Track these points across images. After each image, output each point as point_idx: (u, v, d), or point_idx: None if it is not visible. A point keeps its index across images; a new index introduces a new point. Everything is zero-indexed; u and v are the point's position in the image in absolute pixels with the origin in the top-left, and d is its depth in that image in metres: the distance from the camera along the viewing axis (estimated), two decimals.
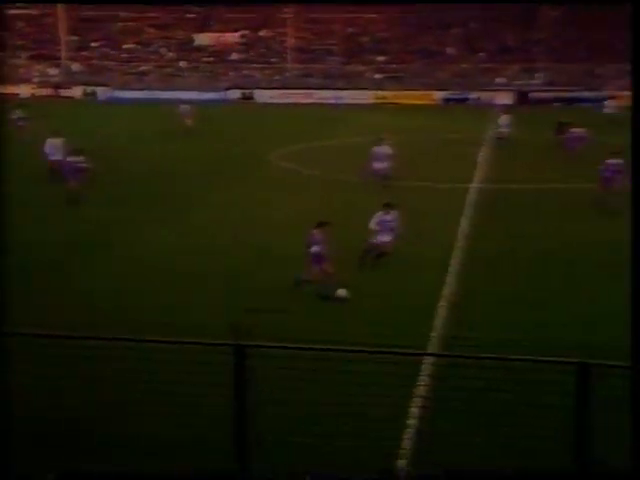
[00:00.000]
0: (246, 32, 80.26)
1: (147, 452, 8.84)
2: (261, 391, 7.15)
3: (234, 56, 77.55)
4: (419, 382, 10.86)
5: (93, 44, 79.35)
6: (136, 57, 77.83)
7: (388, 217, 18.49)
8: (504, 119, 40.20)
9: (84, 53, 77.91)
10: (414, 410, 10.17)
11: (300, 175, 32.20)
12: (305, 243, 16.87)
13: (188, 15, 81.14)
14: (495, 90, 66.68)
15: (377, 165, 28.19)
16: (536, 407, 8.14)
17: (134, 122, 50.03)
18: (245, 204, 26.46)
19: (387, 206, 18.74)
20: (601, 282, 17.49)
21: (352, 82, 70.43)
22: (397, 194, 26.54)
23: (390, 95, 66.13)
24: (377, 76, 72.32)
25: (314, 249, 16.54)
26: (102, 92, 69.46)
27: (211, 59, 77.09)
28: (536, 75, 70.39)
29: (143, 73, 75.23)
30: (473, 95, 66.00)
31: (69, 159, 26.37)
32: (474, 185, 29.35)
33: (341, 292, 16.20)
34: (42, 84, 69.82)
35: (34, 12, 76.30)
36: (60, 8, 74.73)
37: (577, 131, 34.25)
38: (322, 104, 62.01)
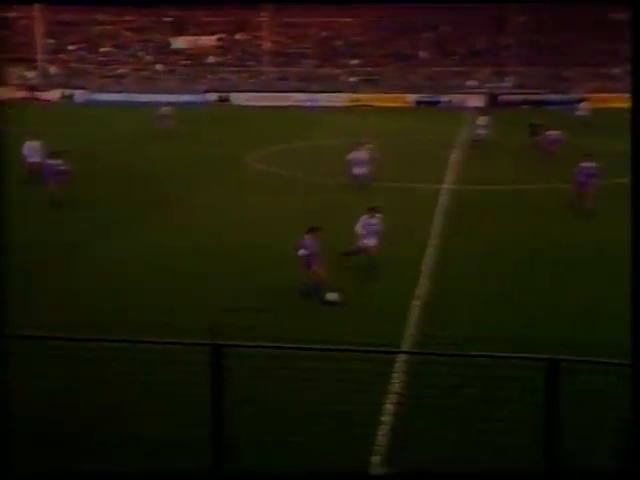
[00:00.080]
0: (222, 35, 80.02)
1: (127, 451, 8.79)
2: (238, 390, 7.12)
3: (211, 59, 77.30)
4: (394, 380, 10.89)
5: (70, 47, 78.71)
6: (113, 60, 77.34)
7: (373, 221, 18.22)
8: (481, 120, 40.27)
9: (61, 56, 77.26)
10: (389, 407, 10.19)
11: (277, 177, 32.15)
12: (295, 247, 16.72)
13: (165, 19, 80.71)
14: (466, 93, 67.09)
15: (356, 170, 28.16)
16: (507, 403, 8.18)
17: (113, 124, 49.68)
18: (223, 205, 26.37)
19: (372, 210, 18.45)
20: (574, 280, 17.63)
21: (327, 85, 70.47)
22: (373, 195, 26.65)
23: (364, 98, 66.29)
24: (351, 79, 72.44)
25: (301, 252, 16.38)
26: (80, 95, 68.92)
27: (188, 62, 76.78)
28: (506, 78, 70.88)
29: (121, 76, 74.77)
30: (445, 98, 66.31)
31: (49, 162, 26.08)
32: (450, 186, 29.46)
33: (331, 296, 16.07)
34: (19, 87, 69.12)
35: (11, 15, 75.45)
36: (37, 11, 74.06)
37: (553, 134, 34.47)
38: (298, 107, 61.99)
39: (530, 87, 67.54)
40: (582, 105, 51.16)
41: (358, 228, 18.15)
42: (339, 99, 65.85)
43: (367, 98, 66.14)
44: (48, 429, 8.75)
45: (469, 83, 70.30)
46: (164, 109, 45.20)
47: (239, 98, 68.05)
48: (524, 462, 6.97)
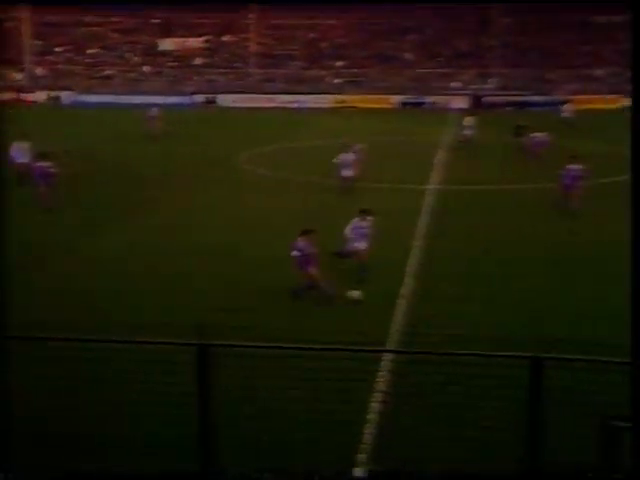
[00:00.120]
0: (209, 37, 79.88)
1: (115, 451, 8.75)
2: (226, 390, 7.10)
3: (198, 61, 77.13)
4: (380, 378, 10.89)
5: (57, 49, 78.32)
6: (100, 62, 77.03)
7: (364, 224, 17.75)
8: (467, 121, 40.33)
9: (49, 57, 76.87)
10: (374, 405, 10.20)
11: (264, 177, 32.13)
12: (290, 249, 16.59)
13: (152, 20, 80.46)
14: (450, 94, 67.28)
15: (345, 172, 28.09)
16: (492, 401, 8.20)
17: (100, 126, 49.47)
18: (211, 206, 26.31)
19: (364, 212, 17.97)
20: (559, 280, 17.71)
21: (313, 87, 70.49)
22: (361, 197, 26.67)
23: (349, 99, 66.36)
24: (337, 81, 72.49)
25: (294, 254, 16.20)
26: (66, 96, 68.59)
27: (175, 64, 76.58)
28: (489, 80, 71.13)
29: (108, 77, 74.48)
30: (429, 99, 66.46)
31: (38, 164, 25.82)
32: (436, 187, 29.50)
33: (354, 293, 15.94)
34: (5, 88, 68.61)
35: None
36: (24, 12, 73.63)
37: (538, 136, 34.57)
38: (284, 108, 61.97)
39: (513, 89, 67.83)
40: (566, 107, 51.43)
41: (348, 231, 17.73)
42: (325, 100, 65.87)
43: (352, 99, 66.21)
44: (33, 429, 8.69)
45: (453, 85, 70.51)
46: (152, 111, 45.04)
47: (226, 100, 67.93)
48: (509, 459, 6.99)
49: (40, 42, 76.88)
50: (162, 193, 28.08)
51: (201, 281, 17.54)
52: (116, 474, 7.51)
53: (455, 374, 7.78)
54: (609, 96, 63.91)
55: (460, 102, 64.39)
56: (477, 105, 63.16)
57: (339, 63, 75.28)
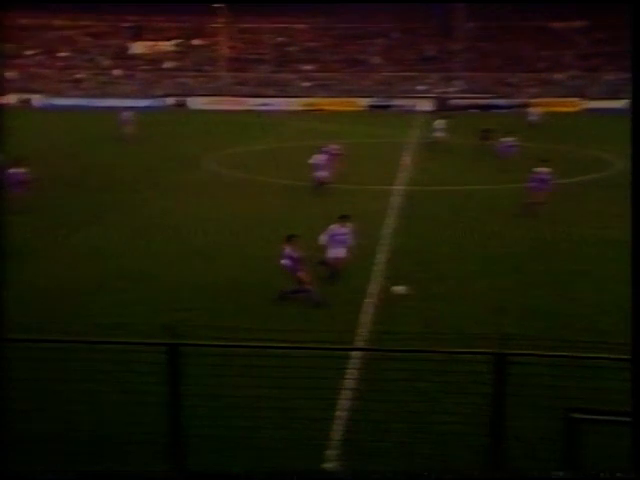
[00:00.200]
0: (180, 41, 79.42)
1: (85, 452, 8.62)
2: (195, 389, 7.03)
3: (168, 64, 76.65)
4: (348, 375, 10.87)
5: (28, 52, 77.34)
6: (71, 65, 76.22)
7: (343, 230, 17.04)
8: (438, 124, 40.53)
9: (19, 61, 75.87)
10: (343, 402, 10.17)
11: (235, 179, 31.99)
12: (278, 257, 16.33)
13: (123, 24, 79.78)
14: (416, 97, 67.62)
15: (318, 174, 27.99)
16: (457, 396, 8.22)
17: (72, 129, 48.93)
18: (183, 207, 26.11)
19: (343, 218, 17.26)
20: (525, 279, 17.81)
21: (282, 90, 70.41)
22: (333, 198, 26.67)
23: (318, 102, 66.39)
24: (305, 84, 72.48)
25: (283, 262, 15.81)
26: (37, 99, 67.76)
27: (146, 67, 76.02)
28: (454, 83, 71.61)
29: (78, 81, 73.71)
30: (396, 102, 66.73)
31: (11, 171, 25.06)
32: (404, 187, 29.55)
33: (399, 289, 15.77)
34: None
35: None
36: None
37: (507, 140, 34.76)
38: (253, 111, 61.79)
39: (477, 92, 68.37)
40: (532, 110, 51.99)
41: (324, 238, 16.97)
42: (294, 103, 65.84)
43: (321, 102, 66.25)
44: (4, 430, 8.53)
45: (419, 88, 70.86)
46: (124, 114, 44.66)
47: (196, 102, 67.60)
48: (476, 454, 7.00)
49: (10, 45, 75.82)
50: (134, 195, 27.84)
51: (171, 282, 17.39)
52: (84, 474, 7.39)
53: (422, 370, 7.78)
54: (569, 99, 64.70)
55: (425, 105, 64.76)
56: (442, 107, 63.55)
57: (308, 67, 75.27)
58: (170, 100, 68.18)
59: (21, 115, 57.79)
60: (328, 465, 8.76)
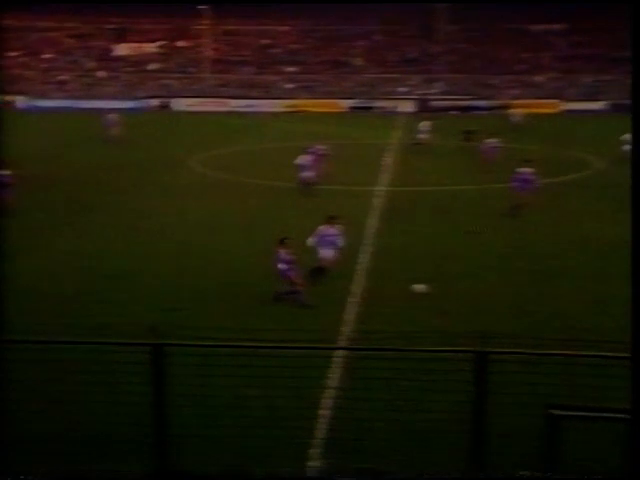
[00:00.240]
0: (164, 43, 79.12)
1: (69, 452, 8.54)
2: (179, 389, 6.99)
3: (152, 66, 76.34)
4: (331, 375, 10.87)
5: (11, 53, 76.72)
6: (55, 67, 75.71)
7: (332, 230, 16.90)
8: (424, 125, 40.64)
9: (2, 62, 75.21)
10: (326, 401, 10.16)
11: (219, 180, 31.91)
12: (273, 261, 16.08)
13: (107, 26, 79.37)
14: (398, 99, 67.72)
15: (304, 174, 27.93)
16: (439, 394, 8.23)
17: (56, 131, 48.60)
18: (168, 208, 25.98)
19: (331, 219, 17.02)
20: (503, 278, 17.89)
21: (265, 91, 70.32)
22: (315, 198, 26.65)
23: (300, 103, 66.35)
24: (288, 86, 72.41)
25: (280, 267, 15.62)
26: (21, 101, 67.24)
27: (130, 69, 75.66)
28: (435, 85, 71.79)
29: (62, 82, 73.24)
30: (377, 103, 66.80)
31: None
32: (387, 188, 29.55)
33: (419, 287, 15.85)
34: None
35: None
36: None
37: (491, 142, 34.89)
38: (237, 112, 61.65)
39: (457, 93, 68.59)
40: (515, 111, 52.29)
41: (313, 240, 16.77)
42: (277, 105, 65.76)
43: (303, 104, 66.21)
44: None
45: (400, 89, 70.99)
46: (109, 116, 44.43)
47: (180, 104, 67.37)
48: (458, 452, 7.01)
49: None
50: (119, 196, 27.69)
51: (155, 282, 17.30)
52: (68, 474, 7.33)
53: (405, 369, 7.78)
54: (548, 101, 65.06)
55: (407, 106, 64.90)
56: (424, 109, 63.68)
57: (291, 68, 75.22)
58: (154, 102, 67.89)
59: (5, 117, 57.38)
60: (312, 463, 8.76)
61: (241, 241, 21.09)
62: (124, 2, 69.03)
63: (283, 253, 15.71)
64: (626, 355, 5.99)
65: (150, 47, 78.60)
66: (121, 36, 79.30)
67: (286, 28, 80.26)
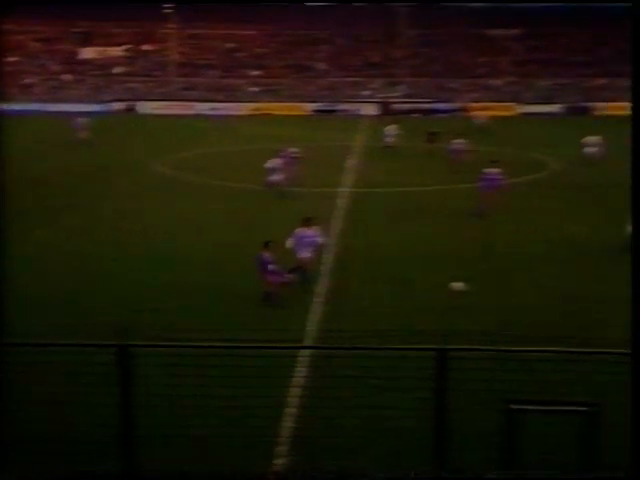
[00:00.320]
0: (130, 46, 78.34)
1: (36, 454, 8.40)
2: (146, 390, 6.91)
3: (118, 69, 75.55)
4: (297, 373, 10.84)
5: None
6: (21, 70, 74.50)
7: (309, 232, 16.84)
8: (390, 129, 40.79)
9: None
10: (293, 400, 10.13)
11: (186, 183, 31.68)
12: (255, 263, 15.96)
13: (73, 29, 78.34)
14: (361, 102, 67.88)
15: (273, 177, 27.76)
16: (402, 392, 8.25)
17: (22, 134, 47.74)
18: (135, 211, 25.73)
19: (308, 221, 17.00)
20: (467, 277, 17.99)
21: (230, 95, 69.99)
22: (283, 200, 26.58)
23: (265, 107, 66.20)
24: (253, 89, 72.20)
25: (270, 268, 15.51)
26: None
27: (96, 72, 74.80)
28: (397, 88, 72.13)
29: (28, 86, 72.12)
30: (341, 107, 66.88)
31: None
32: (351, 190, 29.54)
33: (457, 285, 15.96)
34: None
35: None
36: None
37: (458, 142, 35.10)
38: (203, 115, 61.29)
39: (419, 96, 68.99)
40: (478, 113, 52.73)
41: (291, 241, 16.68)
42: (242, 108, 65.49)
43: (268, 107, 66.08)
44: None
45: (364, 93, 71.19)
46: (78, 119, 43.88)
47: (146, 107, 66.77)
48: (423, 449, 7.03)
49: None
50: (86, 199, 27.35)
51: (122, 284, 17.12)
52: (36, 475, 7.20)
53: (370, 367, 7.79)
54: (505, 104, 65.76)
55: (370, 109, 65.09)
56: (386, 112, 63.87)
57: (256, 72, 75.01)
58: (120, 105, 67.19)
59: None
60: (278, 462, 8.72)
61: (209, 242, 20.97)
62: (122, 3, 68.04)
63: (266, 255, 15.65)
64: (587, 350, 6.06)
65: (116, 51, 77.76)
66: (87, 40, 78.34)
67: (251, 32, 79.99)
